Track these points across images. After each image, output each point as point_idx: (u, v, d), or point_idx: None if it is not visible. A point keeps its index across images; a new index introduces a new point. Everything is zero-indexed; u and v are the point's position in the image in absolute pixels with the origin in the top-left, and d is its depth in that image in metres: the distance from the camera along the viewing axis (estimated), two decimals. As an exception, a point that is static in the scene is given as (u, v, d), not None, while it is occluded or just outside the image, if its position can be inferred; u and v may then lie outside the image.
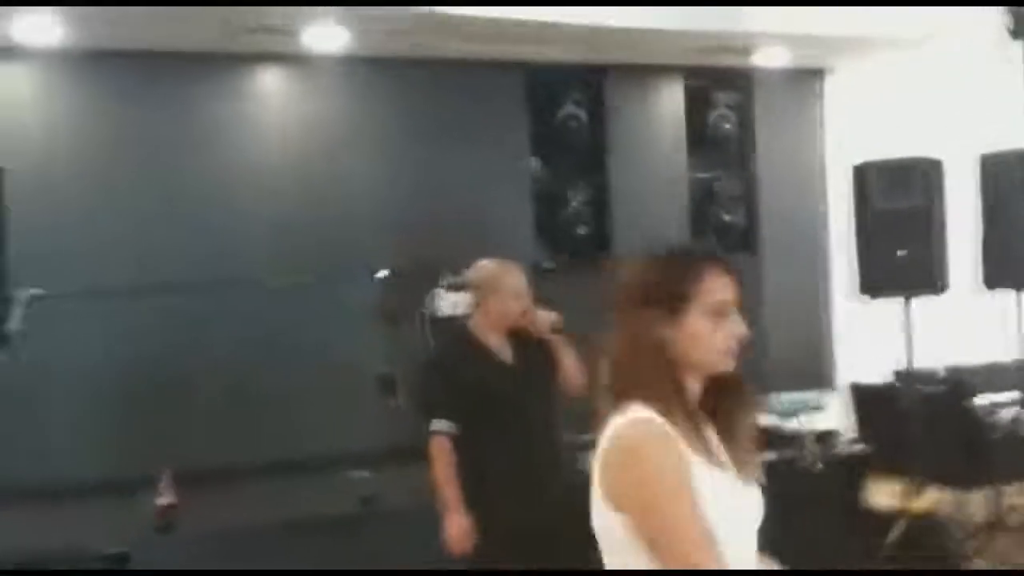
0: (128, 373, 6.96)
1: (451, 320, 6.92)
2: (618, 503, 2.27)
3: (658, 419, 2.28)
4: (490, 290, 4.72)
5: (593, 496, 2.34)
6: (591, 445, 5.69)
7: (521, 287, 4.73)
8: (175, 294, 7.05)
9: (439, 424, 4.58)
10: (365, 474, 6.02)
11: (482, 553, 4.50)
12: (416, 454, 6.20)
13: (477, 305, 4.80)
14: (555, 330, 4.73)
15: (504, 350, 4.71)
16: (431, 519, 5.26)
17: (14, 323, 5.79)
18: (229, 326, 7.22)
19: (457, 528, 4.50)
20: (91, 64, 7.00)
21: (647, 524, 2.23)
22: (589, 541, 4.56)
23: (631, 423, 2.29)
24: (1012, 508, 6.76)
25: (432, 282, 7.21)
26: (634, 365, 2.35)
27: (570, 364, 4.72)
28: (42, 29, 6.50)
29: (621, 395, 2.35)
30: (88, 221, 6.97)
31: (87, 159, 7.04)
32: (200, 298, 7.14)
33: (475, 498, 4.52)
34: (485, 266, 4.83)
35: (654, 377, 2.32)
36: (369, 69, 7.64)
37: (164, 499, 5.60)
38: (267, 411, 7.14)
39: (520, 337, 4.73)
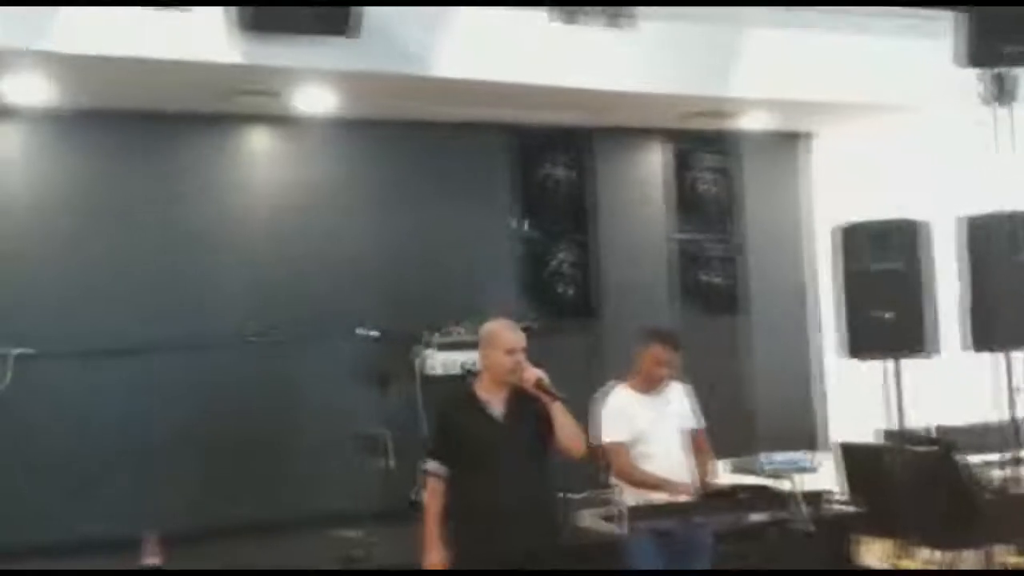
0: (113, 432, 6.90)
1: (442, 379, 6.96)
2: None
3: None
4: (487, 346, 4.98)
5: None
6: (590, 503, 5.61)
7: (513, 343, 4.95)
8: (160, 353, 7.02)
9: (430, 465, 4.92)
10: (352, 533, 5.97)
11: None
12: (403, 513, 6.18)
13: (483, 361, 5.08)
14: (538, 386, 4.89)
15: (497, 405, 4.93)
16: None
17: (1, 382, 5.77)
18: (215, 385, 7.18)
19: (435, 559, 4.81)
20: (80, 124, 7.01)
21: None
22: None
23: None
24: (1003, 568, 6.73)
25: (418, 341, 7.24)
26: None
27: (563, 427, 4.89)
28: (32, 89, 6.50)
29: None
30: (74, 280, 6.95)
31: (75, 218, 7.03)
32: (186, 357, 7.12)
33: (454, 535, 4.83)
34: (485, 325, 5.10)
35: None
36: (356, 130, 7.69)
37: (150, 560, 5.54)
38: (253, 470, 7.11)
39: (519, 395, 4.93)
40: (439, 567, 4.80)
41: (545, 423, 4.90)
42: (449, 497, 4.87)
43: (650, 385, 5.81)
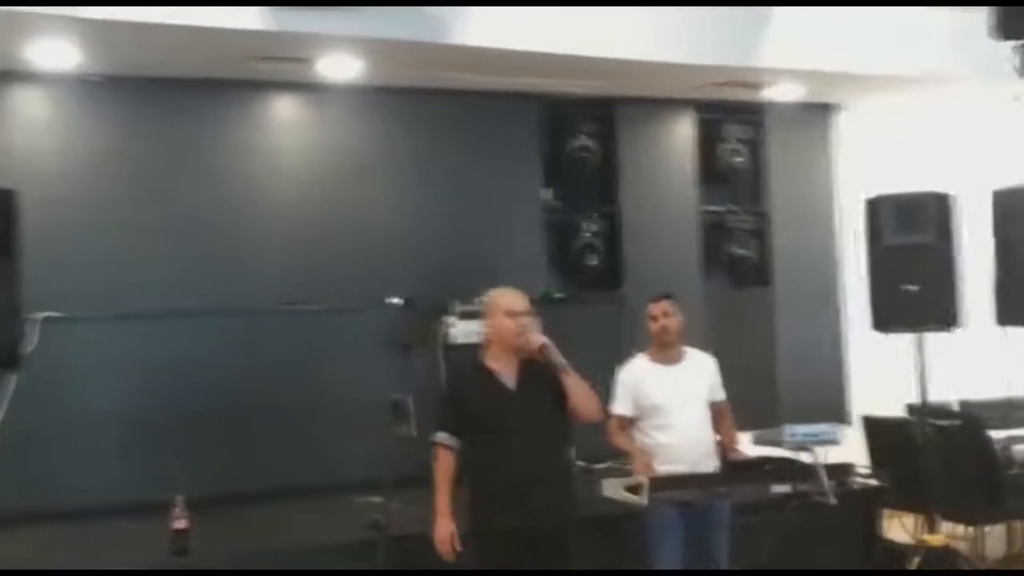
0: (141, 397, 6.95)
1: (463, 348, 6.97)
2: None
3: None
4: (489, 313, 5.07)
5: None
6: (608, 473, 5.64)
7: (514, 306, 5.01)
8: (188, 319, 7.06)
9: (439, 436, 5.00)
10: (375, 499, 6.00)
11: (468, 557, 4.88)
12: (427, 480, 6.20)
13: (486, 330, 5.14)
14: (540, 353, 4.95)
15: (509, 376, 4.99)
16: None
17: (29, 345, 5.79)
18: (241, 352, 7.21)
19: (443, 532, 4.91)
20: (106, 89, 7.03)
21: None
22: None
23: None
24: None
25: (444, 310, 7.26)
26: None
27: (575, 393, 4.95)
28: (59, 54, 6.52)
29: None
30: (102, 245, 6.97)
31: (101, 184, 7.04)
32: (213, 324, 7.15)
33: (470, 506, 4.92)
34: (488, 293, 5.18)
35: None
36: (383, 98, 7.67)
37: (178, 523, 5.59)
38: (278, 436, 7.14)
39: (529, 364, 5.00)
40: (447, 539, 4.88)
41: (559, 390, 4.94)
42: (462, 468, 4.94)
43: (662, 352, 5.83)
